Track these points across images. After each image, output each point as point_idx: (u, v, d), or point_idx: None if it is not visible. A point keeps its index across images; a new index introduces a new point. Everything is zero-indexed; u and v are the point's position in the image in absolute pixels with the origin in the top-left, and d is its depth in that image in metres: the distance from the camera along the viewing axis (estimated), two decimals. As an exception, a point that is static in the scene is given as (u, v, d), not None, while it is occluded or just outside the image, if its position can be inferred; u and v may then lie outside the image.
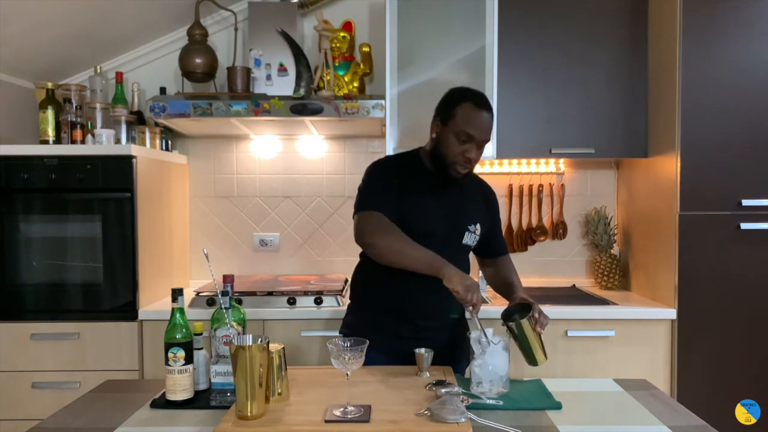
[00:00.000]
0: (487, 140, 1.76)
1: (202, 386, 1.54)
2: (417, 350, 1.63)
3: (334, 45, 2.68)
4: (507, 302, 1.85)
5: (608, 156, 2.69)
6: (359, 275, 1.90)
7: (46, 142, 2.51)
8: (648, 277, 2.61)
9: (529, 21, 2.58)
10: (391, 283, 1.76)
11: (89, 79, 2.76)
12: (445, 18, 2.48)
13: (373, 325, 1.78)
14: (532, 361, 1.63)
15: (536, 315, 1.63)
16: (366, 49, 2.78)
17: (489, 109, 1.75)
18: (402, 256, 1.67)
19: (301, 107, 2.43)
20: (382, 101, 2.46)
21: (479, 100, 1.75)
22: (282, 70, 2.70)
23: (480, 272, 2.14)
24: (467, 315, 1.66)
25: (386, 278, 1.75)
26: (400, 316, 1.80)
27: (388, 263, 1.70)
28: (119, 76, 2.74)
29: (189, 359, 1.47)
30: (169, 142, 2.80)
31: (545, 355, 1.64)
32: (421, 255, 1.65)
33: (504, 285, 1.94)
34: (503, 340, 1.56)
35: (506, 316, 1.66)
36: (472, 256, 1.95)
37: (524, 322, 1.60)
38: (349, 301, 1.97)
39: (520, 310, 1.67)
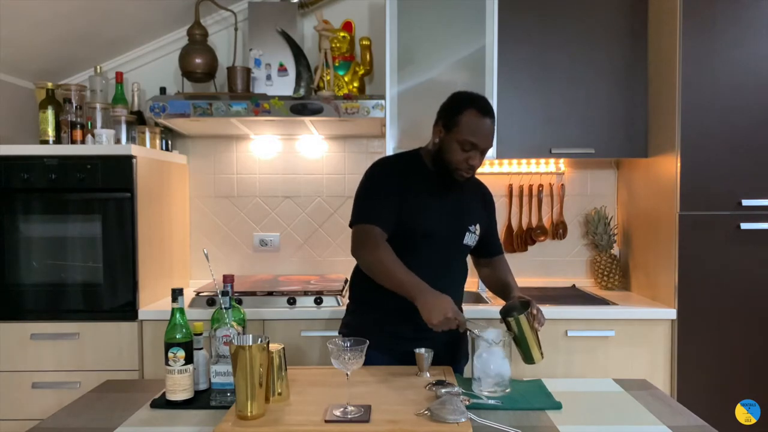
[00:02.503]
0: (490, 146, 1.76)
1: (202, 386, 1.54)
2: (417, 350, 1.63)
3: (334, 45, 2.68)
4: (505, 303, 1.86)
5: (608, 156, 2.69)
6: (359, 275, 1.90)
7: (46, 142, 2.51)
8: (648, 277, 2.61)
9: (529, 21, 2.58)
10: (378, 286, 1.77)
11: (89, 79, 2.76)
12: (445, 18, 2.48)
13: (372, 324, 1.78)
14: (528, 359, 1.64)
15: (534, 312, 1.64)
16: (366, 42, 2.77)
17: (492, 115, 1.75)
18: (384, 277, 1.67)
19: (301, 107, 2.43)
20: (382, 101, 2.46)
21: (482, 108, 1.73)
22: (282, 70, 2.70)
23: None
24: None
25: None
26: (399, 315, 1.79)
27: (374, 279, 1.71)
28: (119, 76, 2.74)
29: (189, 359, 1.47)
30: (169, 142, 2.80)
31: (541, 353, 1.64)
32: (402, 279, 1.63)
33: (500, 285, 1.94)
34: (504, 340, 1.56)
35: (505, 313, 1.66)
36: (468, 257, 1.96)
37: (522, 318, 1.60)
38: (347, 301, 1.97)
39: (519, 308, 1.67)
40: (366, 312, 1.86)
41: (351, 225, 1.77)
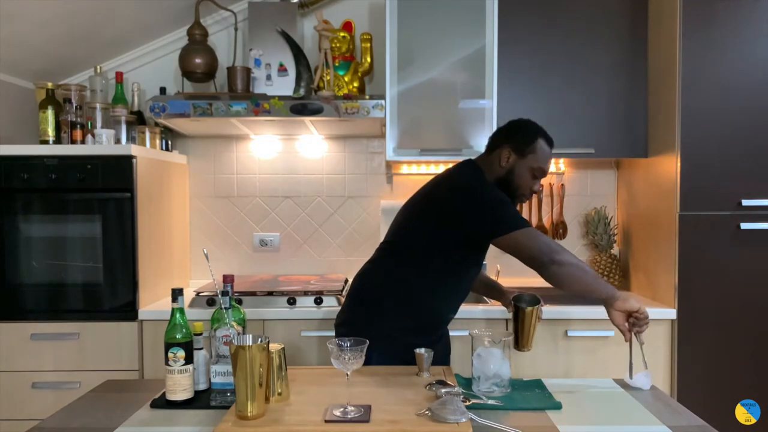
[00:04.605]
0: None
1: (202, 386, 1.54)
2: (417, 350, 1.63)
3: (334, 45, 2.68)
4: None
5: (608, 156, 2.69)
6: (392, 283, 1.83)
7: (46, 142, 2.51)
8: (648, 277, 2.61)
9: (529, 21, 2.58)
10: (429, 295, 1.80)
11: (89, 79, 2.76)
12: (445, 18, 2.48)
13: (387, 332, 1.76)
14: (521, 345, 1.78)
15: (542, 309, 1.83)
16: (366, 36, 2.77)
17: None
18: (582, 282, 1.66)
19: (301, 107, 2.43)
20: (382, 101, 2.46)
21: (550, 138, 1.87)
22: (282, 70, 2.70)
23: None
24: (631, 339, 1.67)
25: (425, 289, 1.79)
26: (423, 327, 1.81)
27: (562, 286, 1.67)
28: (119, 76, 2.74)
29: (189, 359, 1.47)
30: (169, 142, 2.80)
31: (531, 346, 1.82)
32: (597, 281, 1.68)
33: (484, 285, 2.10)
34: (504, 341, 1.56)
35: (519, 301, 1.83)
36: None
37: (535, 309, 1.78)
38: (349, 303, 1.92)
39: (529, 300, 1.84)
40: (387, 322, 1.79)
41: (513, 229, 1.68)
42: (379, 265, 1.89)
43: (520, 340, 1.78)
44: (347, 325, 1.87)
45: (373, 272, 1.89)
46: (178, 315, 1.48)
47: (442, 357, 1.89)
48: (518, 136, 1.84)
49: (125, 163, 2.34)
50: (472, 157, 1.95)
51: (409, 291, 1.80)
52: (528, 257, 1.68)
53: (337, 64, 2.69)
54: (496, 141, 1.88)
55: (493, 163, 1.85)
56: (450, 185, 1.83)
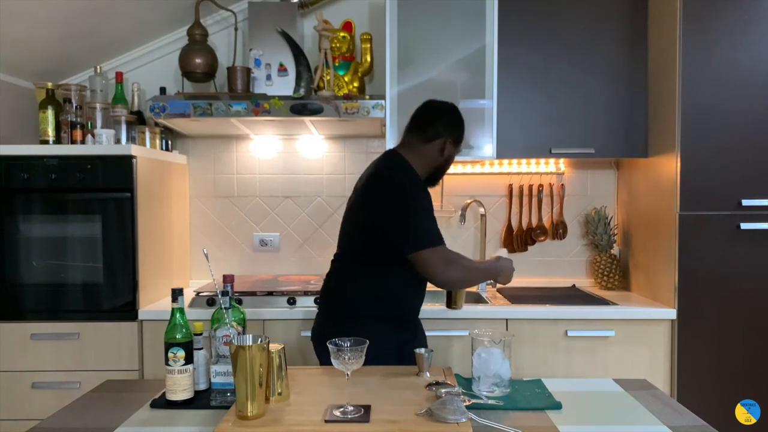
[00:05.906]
0: None
1: (202, 386, 1.55)
2: (417, 350, 1.63)
3: (334, 45, 2.68)
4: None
5: (608, 156, 2.69)
6: (359, 285, 1.86)
7: (46, 142, 2.52)
8: (648, 277, 2.61)
9: (529, 21, 2.58)
10: (397, 291, 1.81)
11: (89, 79, 2.76)
12: (445, 18, 2.48)
13: (374, 333, 1.77)
14: (453, 303, 1.94)
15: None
16: (366, 36, 2.77)
17: None
18: (473, 280, 1.89)
19: (301, 107, 2.43)
20: (382, 101, 2.46)
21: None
22: (282, 70, 2.70)
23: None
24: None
25: (391, 288, 1.80)
26: (402, 321, 1.81)
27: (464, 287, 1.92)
28: (119, 76, 2.74)
29: (189, 359, 1.47)
30: (169, 142, 2.80)
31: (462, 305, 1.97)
32: (485, 270, 1.91)
33: None
34: (504, 341, 1.56)
35: None
36: None
37: None
38: (326, 310, 1.95)
39: None
40: (366, 321, 1.81)
41: (419, 249, 1.72)
42: (338, 269, 1.96)
43: (451, 299, 1.94)
44: (318, 330, 1.91)
45: (333, 274, 1.96)
46: (178, 315, 1.48)
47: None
48: (455, 127, 1.90)
49: (125, 163, 2.34)
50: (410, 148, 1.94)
51: (369, 290, 1.83)
52: (423, 272, 1.75)
53: (337, 64, 2.69)
54: (433, 131, 1.87)
55: (431, 153, 1.88)
56: (377, 191, 1.81)
